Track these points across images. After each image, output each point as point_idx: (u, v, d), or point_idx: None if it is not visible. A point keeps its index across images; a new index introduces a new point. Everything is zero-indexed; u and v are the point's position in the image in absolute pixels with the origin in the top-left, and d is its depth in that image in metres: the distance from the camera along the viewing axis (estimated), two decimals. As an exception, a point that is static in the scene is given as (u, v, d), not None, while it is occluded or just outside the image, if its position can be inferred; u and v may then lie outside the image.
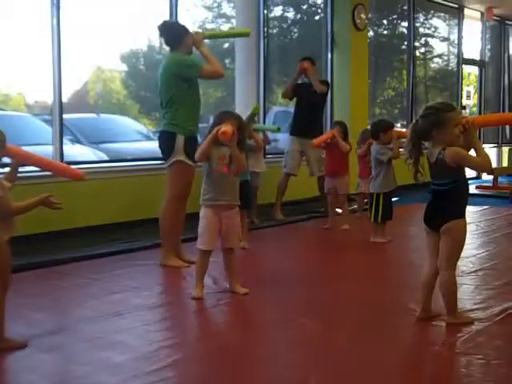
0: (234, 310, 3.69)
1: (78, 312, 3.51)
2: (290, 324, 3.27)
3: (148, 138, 7.71)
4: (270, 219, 6.65)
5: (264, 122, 7.80)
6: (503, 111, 12.88)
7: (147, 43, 7.91)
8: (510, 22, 13.07)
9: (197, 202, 3.85)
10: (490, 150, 11.34)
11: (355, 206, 7.01)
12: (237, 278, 3.86)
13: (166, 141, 4.52)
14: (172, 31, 4.61)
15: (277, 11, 8.78)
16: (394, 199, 5.64)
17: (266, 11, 8.00)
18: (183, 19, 6.25)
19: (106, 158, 6.82)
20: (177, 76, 4.47)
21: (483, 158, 3.12)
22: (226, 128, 3.60)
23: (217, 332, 3.37)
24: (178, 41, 4.55)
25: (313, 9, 9.35)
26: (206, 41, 4.83)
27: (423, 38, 11.36)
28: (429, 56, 11.55)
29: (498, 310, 3.42)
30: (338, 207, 6.36)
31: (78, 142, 7.07)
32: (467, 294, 3.77)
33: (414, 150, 3.19)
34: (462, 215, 3.17)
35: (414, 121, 3.26)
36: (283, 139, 7.69)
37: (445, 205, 3.16)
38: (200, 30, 5.15)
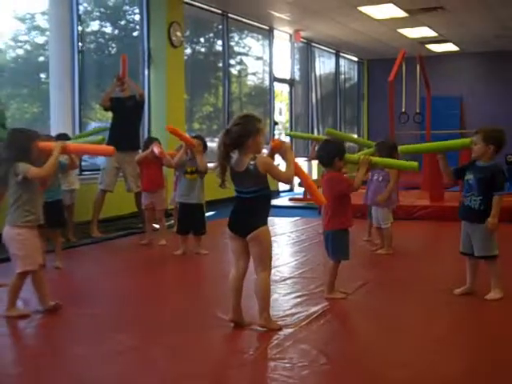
0: (46, 329, 3.59)
1: None
2: (103, 339, 3.27)
3: None
4: (86, 237, 6.54)
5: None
6: (312, 126, 13.72)
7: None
8: (315, 45, 13.98)
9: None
10: (303, 163, 11.99)
11: (172, 221, 7.10)
12: (47, 297, 3.79)
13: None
14: None
15: (94, 26, 8.65)
16: (209, 213, 5.82)
17: (80, 26, 7.87)
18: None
19: None
20: None
21: (289, 171, 3.38)
22: None
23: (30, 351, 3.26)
24: None
25: (131, 25, 9.36)
26: None
27: (238, 57, 11.80)
28: (244, 74, 12.01)
29: (304, 315, 3.67)
30: (156, 223, 6.42)
31: None
32: (277, 301, 3.99)
33: (226, 158, 3.33)
34: (266, 222, 3.39)
35: (224, 130, 3.35)
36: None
37: (253, 212, 3.35)
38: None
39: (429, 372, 2.84)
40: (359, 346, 3.28)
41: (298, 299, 4.07)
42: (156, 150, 5.95)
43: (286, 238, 6.66)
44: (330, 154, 4.06)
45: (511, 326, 3.59)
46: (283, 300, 4.06)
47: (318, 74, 14.22)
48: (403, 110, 10.26)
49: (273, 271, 4.80)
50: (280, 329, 3.39)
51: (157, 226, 6.43)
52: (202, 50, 11.11)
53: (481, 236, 4.01)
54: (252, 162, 3.28)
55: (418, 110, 10.51)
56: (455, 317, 3.78)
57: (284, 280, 4.63)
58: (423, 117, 10.60)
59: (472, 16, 11.21)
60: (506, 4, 10.26)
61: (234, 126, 3.30)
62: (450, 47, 14.25)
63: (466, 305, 3.98)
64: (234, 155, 3.34)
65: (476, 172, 4.04)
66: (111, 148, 4.31)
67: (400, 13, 10.76)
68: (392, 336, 3.39)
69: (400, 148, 4.55)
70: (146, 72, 8.86)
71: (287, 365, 2.89)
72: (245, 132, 3.28)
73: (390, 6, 10.21)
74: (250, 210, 3.36)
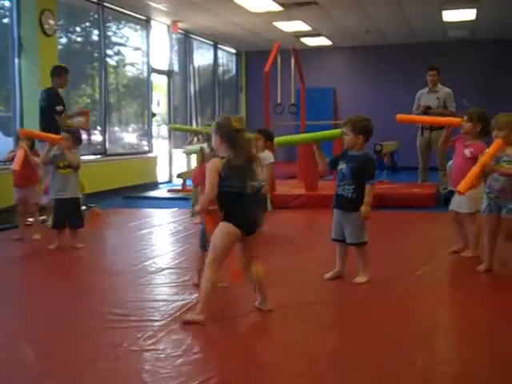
0: None
1: None
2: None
3: None
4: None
5: None
6: (190, 118, 13.76)
7: None
8: (194, 36, 14.01)
9: None
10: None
11: (45, 217, 6.93)
12: None
13: None
14: None
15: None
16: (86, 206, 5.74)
17: None
18: None
19: None
20: None
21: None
22: None
23: None
24: None
25: (0, 11, 8.96)
26: None
27: (116, 47, 11.60)
28: (122, 64, 11.83)
29: (179, 305, 3.74)
30: (30, 217, 6.26)
31: None
32: (152, 292, 4.03)
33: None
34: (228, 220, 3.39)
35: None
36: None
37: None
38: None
39: (297, 352, 3.00)
40: (231, 334, 3.39)
41: (174, 289, 4.13)
42: (13, 165, 5.73)
43: (163, 229, 6.69)
44: None
45: (374, 304, 3.84)
46: (159, 291, 4.11)
47: (196, 65, 14.25)
48: (279, 101, 10.52)
49: (149, 262, 4.90)
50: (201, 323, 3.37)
51: (31, 219, 6.26)
52: (79, 39, 10.83)
53: (353, 224, 4.22)
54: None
55: (293, 102, 10.82)
56: (325, 299, 3.98)
57: (161, 270, 4.67)
58: (298, 108, 10.92)
59: (343, 12, 11.65)
60: (376, 1, 10.76)
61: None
62: (323, 41, 14.73)
63: (335, 288, 4.20)
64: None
65: (349, 161, 4.22)
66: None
67: (275, 6, 11.00)
68: (266, 322, 3.53)
69: (275, 140, 4.64)
70: (17, 61, 8.53)
71: (161, 355, 2.95)
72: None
73: (265, -1, 10.42)
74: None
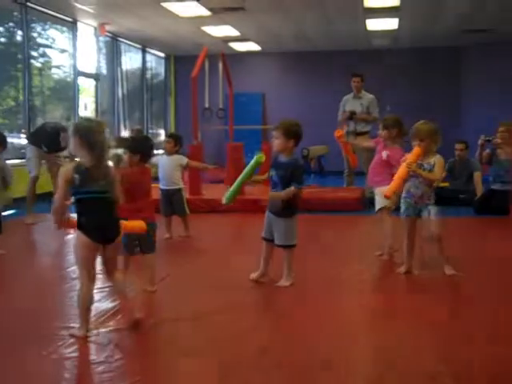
0: None
1: None
2: None
3: None
4: None
5: None
6: (118, 121, 13.59)
7: None
8: (122, 39, 13.87)
9: None
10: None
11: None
12: None
13: None
14: None
15: None
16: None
17: None
18: None
19: None
20: None
21: None
22: None
23: None
24: None
25: None
26: None
27: (41, 49, 11.35)
28: (47, 67, 11.58)
29: (100, 312, 3.71)
30: None
31: None
32: (74, 299, 3.98)
33: None
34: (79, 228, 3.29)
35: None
36: None
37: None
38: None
39: (220, 356, 3.03)
40: (152, 338, 3.40)
41: (97, 296, 4.09)
42: None
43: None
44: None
45: (297, 306, 3.92)
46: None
47: (124, 69, 14.10)
48: (207, 105, 10.53)
49: (71, 269, 4.83)
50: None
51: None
52: (2, 39, 10.55)
53: (283, 228, 4.28)
54: None
55: (221, 106, 10.85)
56: (248, 301, 4.03)
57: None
58: (226, 112, 10.97)
59: (272, 18, 11.79)
60: (303, 8, 10.94)
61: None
62: (252, 46, 14.85)
63: (258, 291, 4.26)
64: None
65: (278, 168, 4.28)
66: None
67: (203, 11, 11.03)
68: (187, 325, 3.55)
69: (225, 200, 4.47)
70: None
71: (82, 363, 2.93)
72: None
73: (194, 4, 10.42)
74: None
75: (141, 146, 4.31)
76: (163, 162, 6.24)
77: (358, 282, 4.52)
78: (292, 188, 4.18)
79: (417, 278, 4.60)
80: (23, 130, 10.28)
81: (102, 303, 3.92)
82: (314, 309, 3.87)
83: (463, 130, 13.65)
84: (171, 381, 2.82)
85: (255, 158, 4.28)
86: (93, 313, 3.66)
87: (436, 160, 4.53)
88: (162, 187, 6.22)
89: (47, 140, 7.56)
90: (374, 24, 12.29)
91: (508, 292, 4.27)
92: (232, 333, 3.40)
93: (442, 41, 14.19)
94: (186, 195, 6.60)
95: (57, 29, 11.73)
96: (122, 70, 13.96)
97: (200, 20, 11.81)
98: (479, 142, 8.29)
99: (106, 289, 4.23)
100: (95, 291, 4.15)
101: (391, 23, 12.22)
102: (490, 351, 3.08)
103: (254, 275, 4.45)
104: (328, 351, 3.08)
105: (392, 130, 5.09)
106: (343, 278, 4.58)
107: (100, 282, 4.43)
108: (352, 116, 9.35)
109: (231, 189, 4.34)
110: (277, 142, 4.26)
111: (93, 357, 3.00)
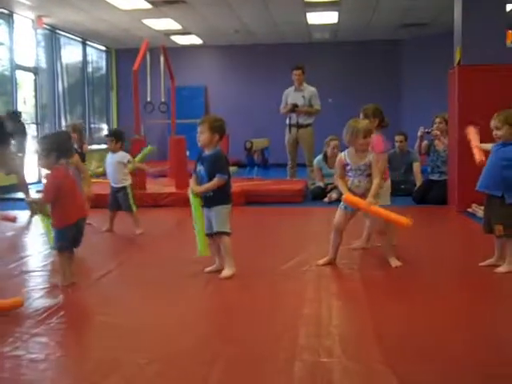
0: None
1: None
2: None
3: None
4: None
5: None
6: (59, 116, 13.34)
7: None
8: (61, 32, 13.60)
9: None
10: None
11: None
12: None
13: None
14: None
15: None
16: None
17: None
18: None
19: None
20: None
21: None
22: None
23: None
24: None
25: None
26: None
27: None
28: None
29: (41, 309, 3.66)
30: None
31: None
32: (18, 295, 3.92)
33: None
34: None
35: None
36: None
37: None
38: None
39: (168, 344, 3.04)
40: (94, 334, 3.38)
41: (40, 292, 4.05)
42: None
43: (29, 232, 6.50)
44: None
45: (239, 298, 3.96)
46: (23, 294, 4.00)
47: (64, 62, 13.84)
48: (149, 99, 10.47)
49: (14, 265, 4.76)
50: None
51: None
52: None
53: (216, 215, 4.37)
54: None
55: (163, 100, 10.79)
56: (194, 295, 4.05)
57: (27, 273, 4.58)
58: (169, 106, 10.92)
59: (212, 11, 11.78)
60: (244, 1, 10.97)
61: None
62: (193, 40, 14.80)
63: (206, 280, 4.29)
64: None
65: (204, 163, 4.36)
66: None
67: (144, 4, 10.94)
68: (133, 321, 3.54)
69: (198, 254, 4.49)
70: None
71: (23, 361, 2.89)
72: None
73: (134, -4, 10.34)
74: None
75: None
76: (108, 159, 6.33)
77: (300, 273, 4.56)
78: (215, 179, 4.28)
79: (342, 267, 4.69)
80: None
81: (43, 299, 3.86)
82: (257, 300, 3.91)
83: (403, 122, 13.95)
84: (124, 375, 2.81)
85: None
86: (32, 310, 3.63)
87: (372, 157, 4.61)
88: (110, 184, 6.32)
89: None
90: (314, 17, 12.42)
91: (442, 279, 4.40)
92: (171, 327, 3.40)
93: (382, 34, 14.46)
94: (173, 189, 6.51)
95: (-8, 21, 11.44)
96: (61, 63, 13.69)
97: (141, 13, 11.72)
98: (418, 133, 8.51)
99: (48, 286, 4.19)
100: (38, 288, 4.14)
101: (331, 17, 12.37)
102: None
103: (208, 269, 4.50)
104: (274, 343, 3.13)
105: (373, 119, 5.08)
106: (285, 269, 4.63)
107: (40, 278, 4.41)
108: (294, 109, 9.45)
109: (198, 241, 4.40)
110: (202, 136, 4.34)
111: (34, 355, 2.95)
